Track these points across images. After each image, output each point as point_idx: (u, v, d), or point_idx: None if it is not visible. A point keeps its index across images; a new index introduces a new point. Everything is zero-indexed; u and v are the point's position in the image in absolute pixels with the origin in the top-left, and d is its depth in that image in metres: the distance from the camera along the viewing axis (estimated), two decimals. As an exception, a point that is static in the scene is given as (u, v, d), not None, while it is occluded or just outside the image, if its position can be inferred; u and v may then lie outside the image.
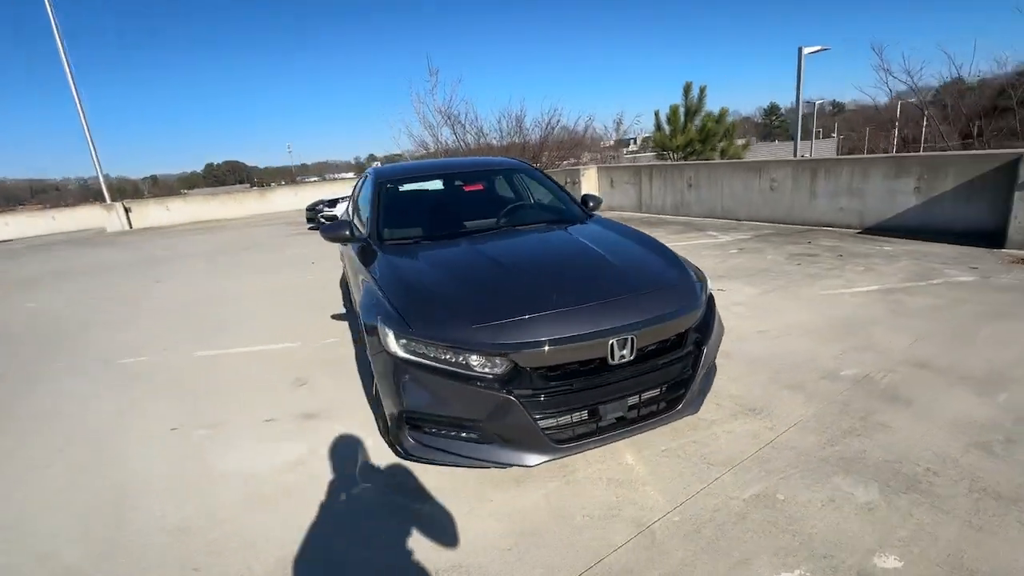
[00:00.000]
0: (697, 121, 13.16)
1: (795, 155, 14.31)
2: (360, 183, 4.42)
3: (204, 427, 2.97)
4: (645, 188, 10.36)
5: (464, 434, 2.05)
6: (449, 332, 2.03)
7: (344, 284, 5.35)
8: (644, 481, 2.18)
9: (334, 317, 4.94)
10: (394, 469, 2.40)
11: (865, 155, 9.20)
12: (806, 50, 13.98)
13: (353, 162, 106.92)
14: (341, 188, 20.85)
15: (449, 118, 19.04)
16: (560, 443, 2.02)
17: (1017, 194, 5.36)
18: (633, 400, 2.11)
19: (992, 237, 5.65)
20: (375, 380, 2.39)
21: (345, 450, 2.61)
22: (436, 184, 3.78)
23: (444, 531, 1.98)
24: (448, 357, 2.02)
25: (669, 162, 11.27)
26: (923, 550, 1.71)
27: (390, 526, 2.03)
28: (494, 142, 17.38)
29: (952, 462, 2.14)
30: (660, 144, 13.66)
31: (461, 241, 2.96)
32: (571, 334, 1.99)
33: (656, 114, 14.31)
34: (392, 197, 3.47)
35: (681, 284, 2.35)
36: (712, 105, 15.01)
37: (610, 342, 2.01)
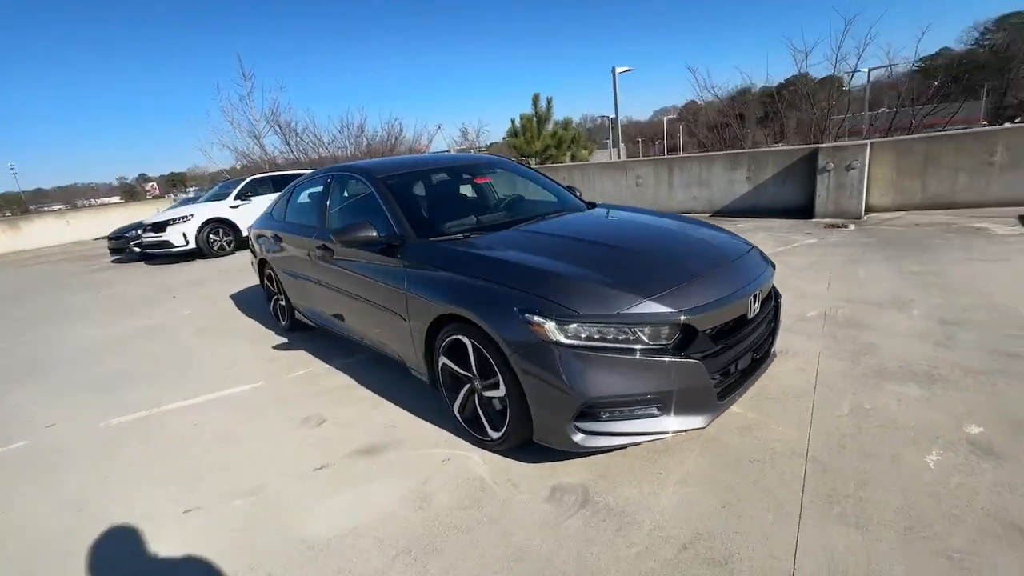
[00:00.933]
0: (549, 127, 14.47)
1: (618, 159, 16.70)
2: (315, 188, 3.86)
3: (245, 495, 2.26)
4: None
5: (639, 410, 2.01)
6: (622, 307, 1.97)
7: (280, 310, 4.51)
8: (764, 423, 2.42)
9: (278, 347, 4.13)
10: (535, 472, 2.19)
11: (710, 152, 11.23)
12: (618, 69, 16.43)
13: (117, 183, 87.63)
14: (142, 210, 17.10)
15: (280, 126, 17.21)
16: (720, 400, 2.13)
17: (818, 177, 7.24)
18: (752, 351, 2.34)
19: (805, 211, 7.51)
20: (502, 384, 2.15)
21: (460, 471, 2.28)
22: (442, 177, 3.50)
23: (654, 510, 1.91)
24: (618, 335, 1.96)
25: (549, 164, 12.13)
26: (982, 414, 2.29)
27: (598, 527, 1.88)
28: (340, 152, 16.25)
29: (934, 356, 2.87)
30: (520, 150, 14.54)
31: (514, 229, 2.83)
32: (728, 293, 2.12)
33: (512, 122, 15.28)
34: (406, 194, 3.10)
35: (755, 249, 2.67)
36: (558, 114, 16.60)
37: (749, 298, 2.20)
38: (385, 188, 3.05)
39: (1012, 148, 6.36)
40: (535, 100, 14.47)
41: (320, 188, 3.75)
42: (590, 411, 1.98)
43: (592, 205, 3.58)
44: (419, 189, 3.35)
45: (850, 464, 2.06)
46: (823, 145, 7.59)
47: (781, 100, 16.73)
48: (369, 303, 2.98)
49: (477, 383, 2.37)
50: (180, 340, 4.70)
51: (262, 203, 10.40)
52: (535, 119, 14.32)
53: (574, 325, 1.96)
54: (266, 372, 3.68)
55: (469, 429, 2.48)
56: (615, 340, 1.95)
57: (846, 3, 20.67)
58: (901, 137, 8.51)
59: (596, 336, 1.96)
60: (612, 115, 14.51)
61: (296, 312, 4.17)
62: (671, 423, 2.03)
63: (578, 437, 2.01)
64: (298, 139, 17.23)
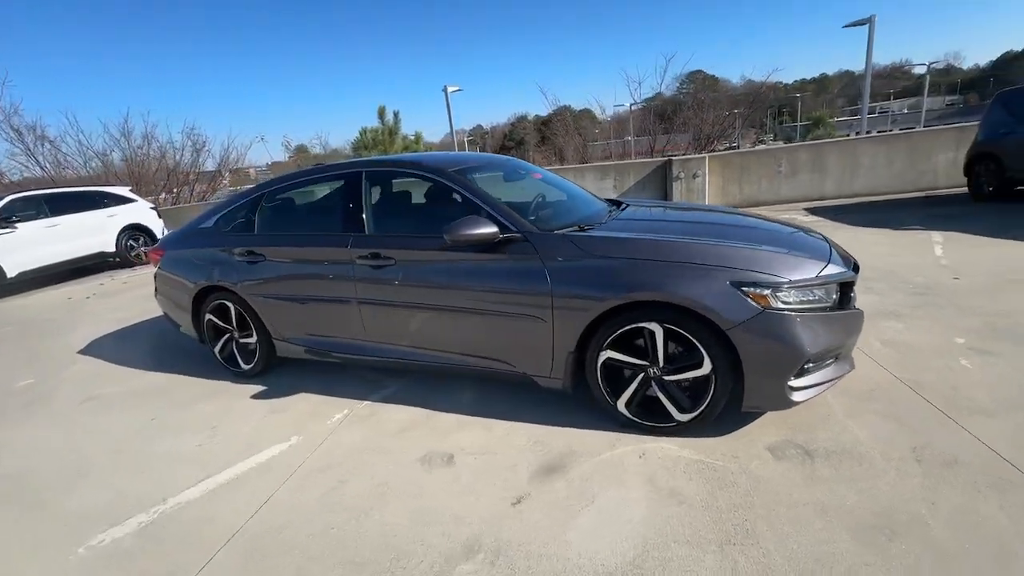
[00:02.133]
0: (398, 141, 13.82)
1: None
2: (326, 189, 3.28)
3: (474, 554, 1.73)
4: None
5: (828, 359, 2.28)
6: (817, 271, 2.21)
7: (242, 352, 3.47)
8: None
9: (263, 396, 3.19)
10: (732, 442, 2.26)
11: (581, 164, 12.32)
12: (449, 88, 16.92)
13: None
14: None
15: (16, 130, 12.84)
16: None
17: (673, 184, 8.78)
18: None
19: (664, 212, 9.01)
20: (707, 360, 2.16)
21: (670, 461, 2.18)
22: (500, 173, 3.21)
23: (863, 442, 2.18)
24: (818, 296, 2.20)
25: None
26: None
27: (848, 469, 2.04)
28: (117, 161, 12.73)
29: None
30: None
31: (620, 219, 2.86)
32: (853, 260, 2.54)
33: (363, 133, 14.02)
34: (490, 189, 2.78)
35: None
36: (406, 128, 16.10)
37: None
38: (472, 183, 2.71)
39: (790, 162, 8.80)
40: (381, 113, 13.84)
41: (339, 188, 3.09)
42: (802, 368, 2.17)
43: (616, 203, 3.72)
44: (497, 184, 3.08)
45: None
46: (675, 157, 9.24)
47: (550, 128, 19.63)
48: (469, 312, 2.60)
49: (654, 369, 2.31)
50: (112, 411, 3.21)
51: (35, 231, 7.78)
52: (386, 132, 13.63)
53: (787, 291, 2.12)
54: (288, 426, 2.81)
55: (640, 420, 2.39)
56: (818, 300, 2.19)
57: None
58: (724, 152, 10.93)
59: (804, 299, 2.15)
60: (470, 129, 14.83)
61: (279, 346, 3.28)
62: (844, 367, 2.36)
63: (794, 395, 2.17)
64: (50, 148, 12.93)
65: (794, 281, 2.14)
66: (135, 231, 9.19)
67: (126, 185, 11.05)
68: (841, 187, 8.64)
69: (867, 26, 14.90)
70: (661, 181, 8.99)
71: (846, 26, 15.51)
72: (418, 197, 3.24)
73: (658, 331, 2.24)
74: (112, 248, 8.82)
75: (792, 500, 1.90)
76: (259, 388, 3.32)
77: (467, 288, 2.59)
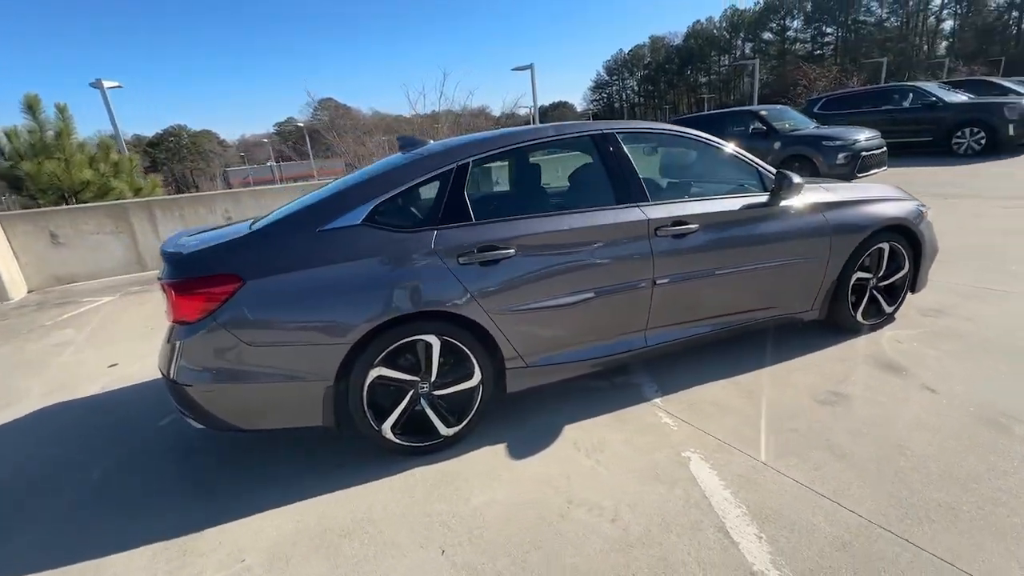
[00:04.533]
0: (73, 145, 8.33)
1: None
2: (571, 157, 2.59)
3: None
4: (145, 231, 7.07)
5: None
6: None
7: (446, 407, 2.21)
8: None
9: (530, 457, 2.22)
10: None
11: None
12: (106, 84, 12.42)
13: None
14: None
15: None
16: None
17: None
18: None
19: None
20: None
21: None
22: None
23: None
24: None
25: (89, 205, 6.76)
26: None
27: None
28: None
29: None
30: (33, 178, 7.29)
31: None
32: None
33: (9, 136, 7.56)
34: None
35: None
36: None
37: None
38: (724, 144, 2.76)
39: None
40: (32, 105, 8.12)
41: (590, 152, 2.50)
42: None
43: None
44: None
45: None
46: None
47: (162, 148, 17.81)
48: (755, 268, 2.66)
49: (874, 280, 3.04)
50: None
51: None
52: (55, 133, 8.01)
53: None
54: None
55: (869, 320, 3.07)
56: None
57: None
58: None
59: None
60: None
61: (518, 377, 2.33)
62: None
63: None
64: None
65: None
66: None
67: None
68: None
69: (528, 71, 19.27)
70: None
71: (514, 69, 19.63)
72: (680, 159, 2.93)
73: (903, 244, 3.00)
74: None
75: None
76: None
77: (776, 241, 2.68)
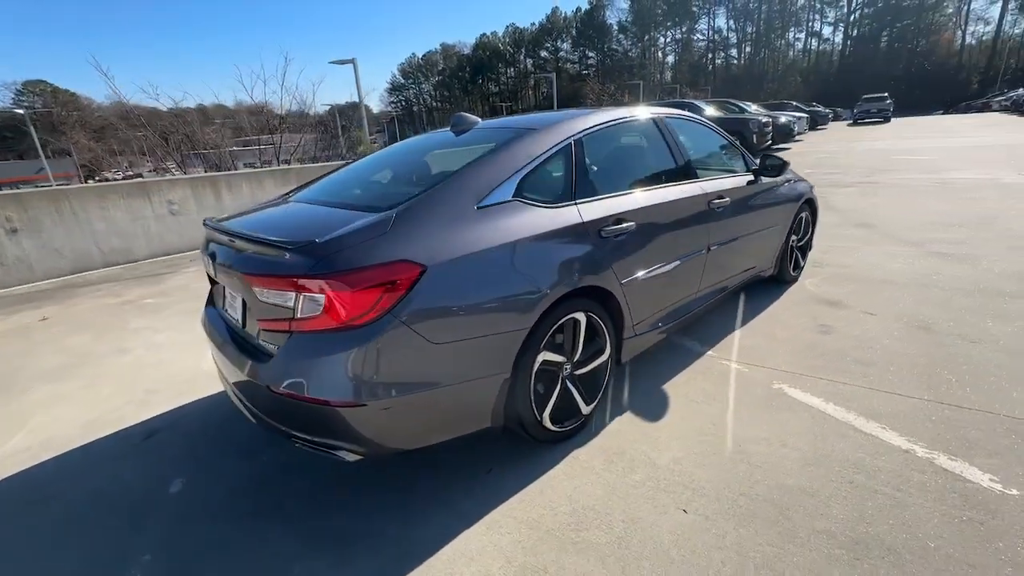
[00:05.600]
0: None
1: None
2: (635, 134, 2.65)
3: None
4: None
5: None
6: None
7: (581, 385, 2.13)
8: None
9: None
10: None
11: (259, 170, 8.38)
12: None
13: None
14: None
15: None
16: None
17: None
18: None
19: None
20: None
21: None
22: None
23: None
24: None
25: None
26: None
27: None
28: None
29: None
30: None
31: None
32: None
33: None
34: None
35: None
36: None
37: None
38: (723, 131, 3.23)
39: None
40: None
41: (651, 131, 2.74)
42: None
43: None
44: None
45: None
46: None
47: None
48: (753, 234, 3.23)
49: (795, 240, 3.98)
50: None
51: None
52: None
53: None
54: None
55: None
56: None
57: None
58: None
59: None
60: None
61: (629, 348, 2.40)
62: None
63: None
64: None
65: None
66: None
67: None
68: None
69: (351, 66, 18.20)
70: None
71: (332, 62, 18.30)
72: (697, 142, 3.15)
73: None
74: None
75: (855, 273, 4.20)
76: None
77: (764, 211, 3.28)
